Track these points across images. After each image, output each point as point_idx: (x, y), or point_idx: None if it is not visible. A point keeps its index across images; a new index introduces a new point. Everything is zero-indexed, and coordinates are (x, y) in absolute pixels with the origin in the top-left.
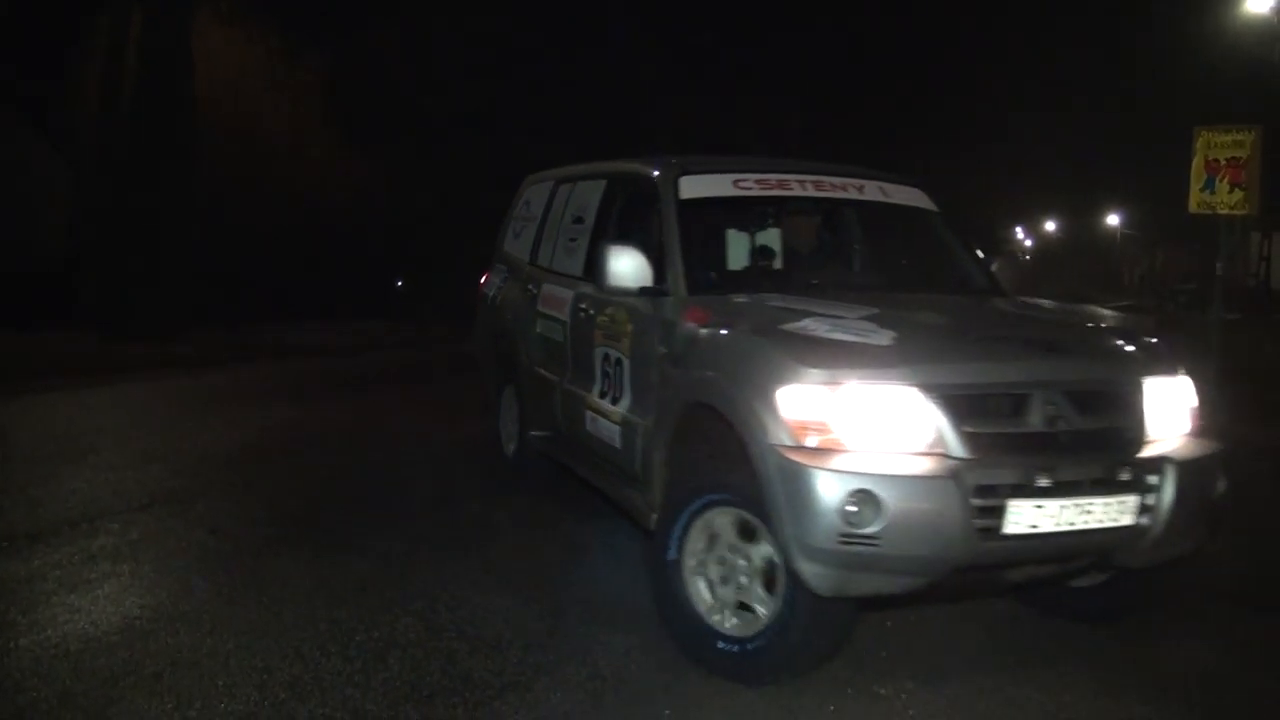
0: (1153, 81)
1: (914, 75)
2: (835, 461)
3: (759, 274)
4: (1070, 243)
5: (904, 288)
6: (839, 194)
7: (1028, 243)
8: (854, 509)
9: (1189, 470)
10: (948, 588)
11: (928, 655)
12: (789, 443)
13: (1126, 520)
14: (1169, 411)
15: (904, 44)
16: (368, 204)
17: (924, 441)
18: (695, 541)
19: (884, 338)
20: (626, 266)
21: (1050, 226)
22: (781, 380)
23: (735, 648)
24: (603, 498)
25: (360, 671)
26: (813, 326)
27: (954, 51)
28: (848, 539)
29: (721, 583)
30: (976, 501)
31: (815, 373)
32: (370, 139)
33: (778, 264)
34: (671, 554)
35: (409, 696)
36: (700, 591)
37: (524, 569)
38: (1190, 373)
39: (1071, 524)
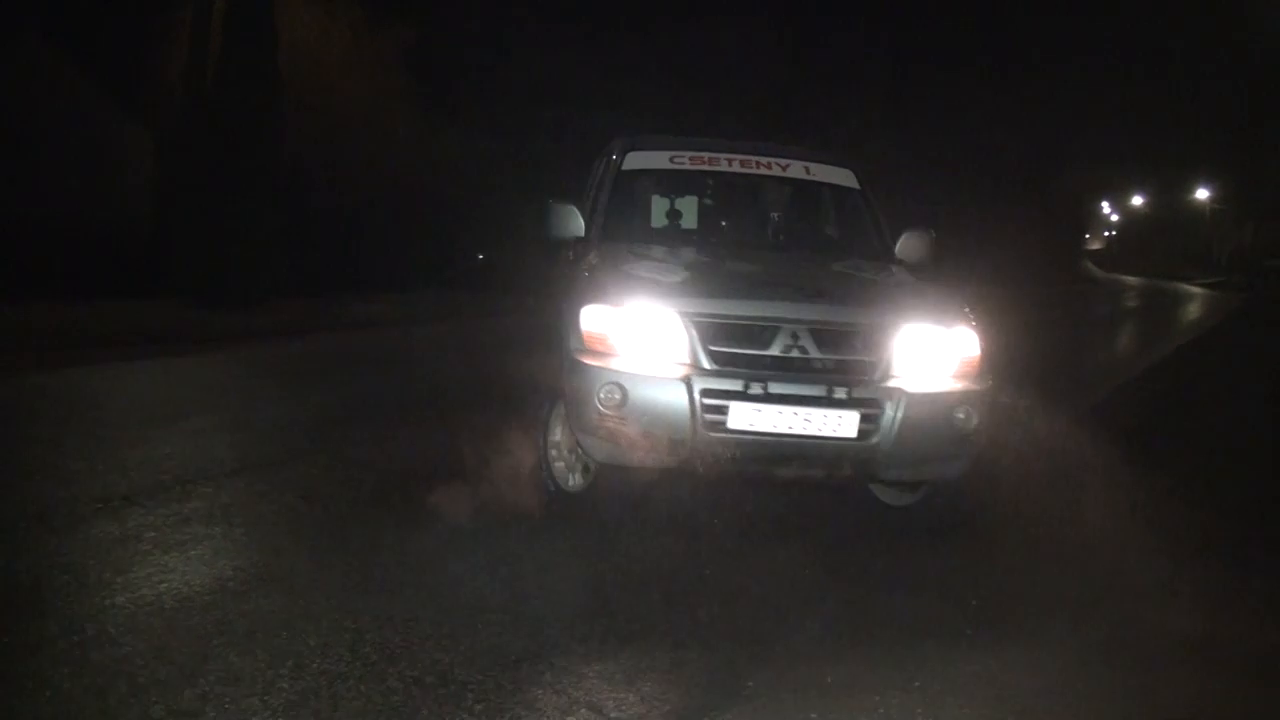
0: (1249, 53)
1: (1000, 42)
2: (601, 361)
3: (673, 232)
4: (1159, 218)
5: (782, 247)
6: (761, 171)
7: (1114, 217)
8: (605, 395)
9: (921, 401)
10: (709, 467)
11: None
12: (581, 349)
13: (848, 432)
14: (929, 353)
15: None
16: (449, 176)
17: (675, 354)
18: (554, 426)
19: (677, 277)
20: (562, 219)
21: (1137, 201)
22: (583, 302)
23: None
24: None
25: (448, 636)
26: (637, 268)
27: (1043, 18)
28: (603, 416)
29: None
30: (705, 400)
31: (605, 297)
32: (452, 111)
33: (691, 224)
34: (547, 435)
35: (496, 662)
36: (558, 460)
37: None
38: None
39: (790, 428)
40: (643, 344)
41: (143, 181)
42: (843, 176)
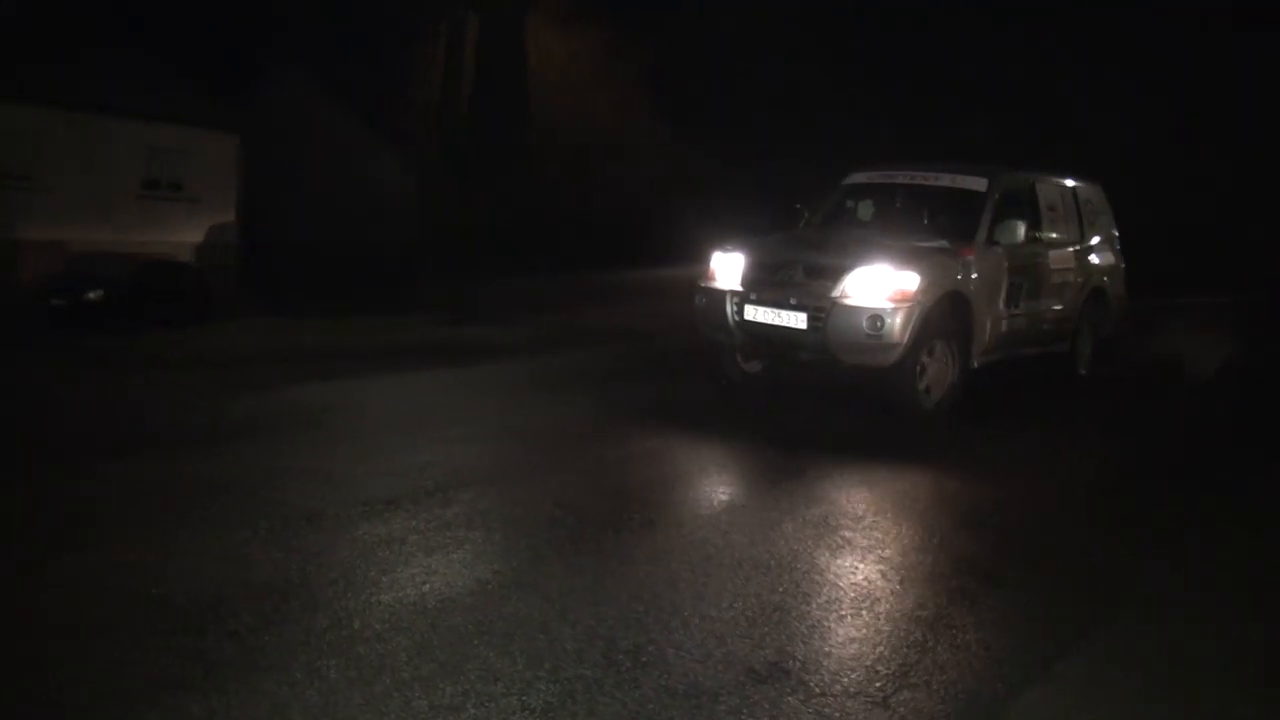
0: None
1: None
2: (703, 282)
3: (857, 223)
4: None
5: (906, 235)
6: (918, 181)
7: None
8: (697, 299)
9: (846, 310)
10: (742, 344)
11: None
12: (703, 276)
13: (800, 325)
14: (873, 284)
15: None
16: (691, 189)
17: (733, 278)
18: None
19: (776, 240)
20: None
21: None
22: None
23: None
24: None
25: (699, 646)
26: (779, 235)
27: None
28: (698, 310)
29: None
30: (734, 302)
31: (719, 248)
32: (693, 126)
33: (866, 217)
34: None
35: (747, 674)
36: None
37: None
38: None
39: (771, 320)
40: (720, 273)
41: (400, 205)
42: (975, 184)
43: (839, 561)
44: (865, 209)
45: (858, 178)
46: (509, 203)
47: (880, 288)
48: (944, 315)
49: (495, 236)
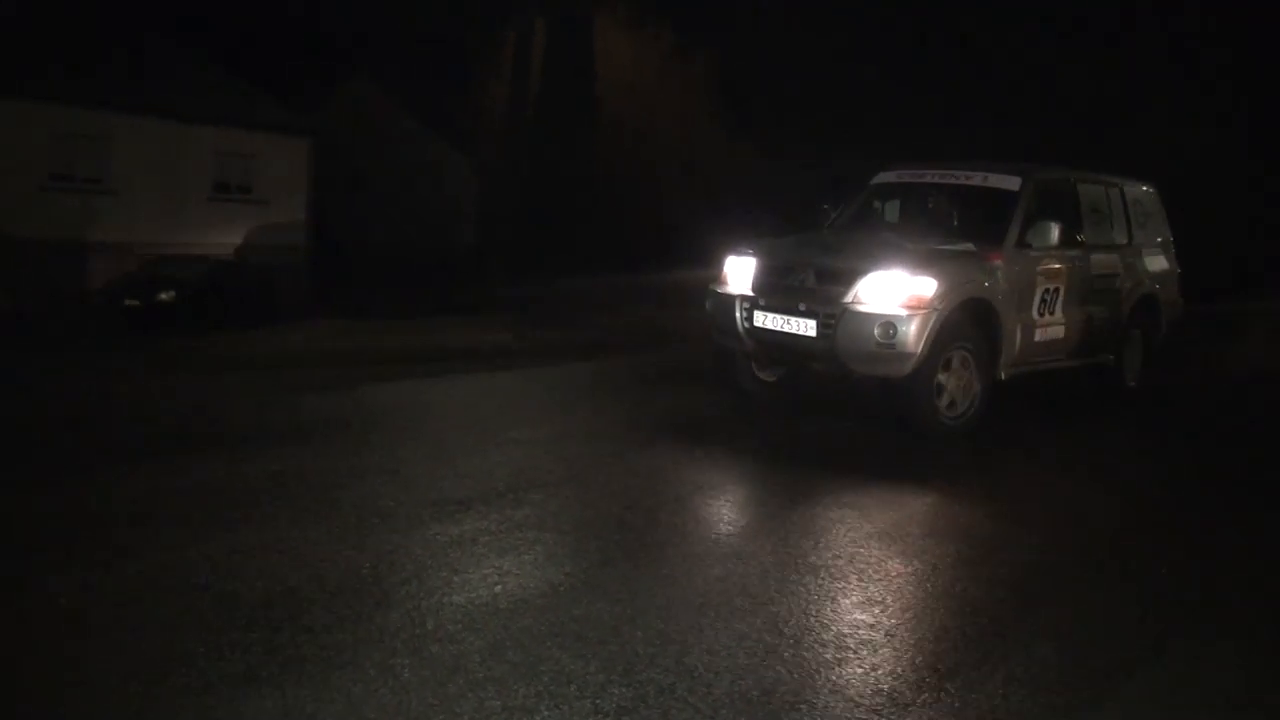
0: None
1: None
2: (716, 286)
3: (882, 224)
4: None
5: (933, 237)
6: (948, 180)
7: None
8: (708, 304)
9: (857, 317)
10: (754, 352)
11: None
12: (716, 280)
13: (809, 333)
14: (886, 289)
15: None
16: (754, 189)
17: (744, 282)
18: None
19: (789, 243)
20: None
21: None
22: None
23: None
24: None
25: (772, 652)
26: (793, 238)
27: None
28: (709, 316)
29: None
30: (744, 307)
31: (733, 251)
32: (757, 128)
33: (892, 218)
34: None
35: (822, 680)
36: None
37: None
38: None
39: (780, 327)
40: (732, 277)
41: (466, 207)
42: (1008, 183)
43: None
44: (892, 210)
45: (886, 177)
46: (574, 204)
47: (894, 293)
48: (966, 324)
49: (560, 237)
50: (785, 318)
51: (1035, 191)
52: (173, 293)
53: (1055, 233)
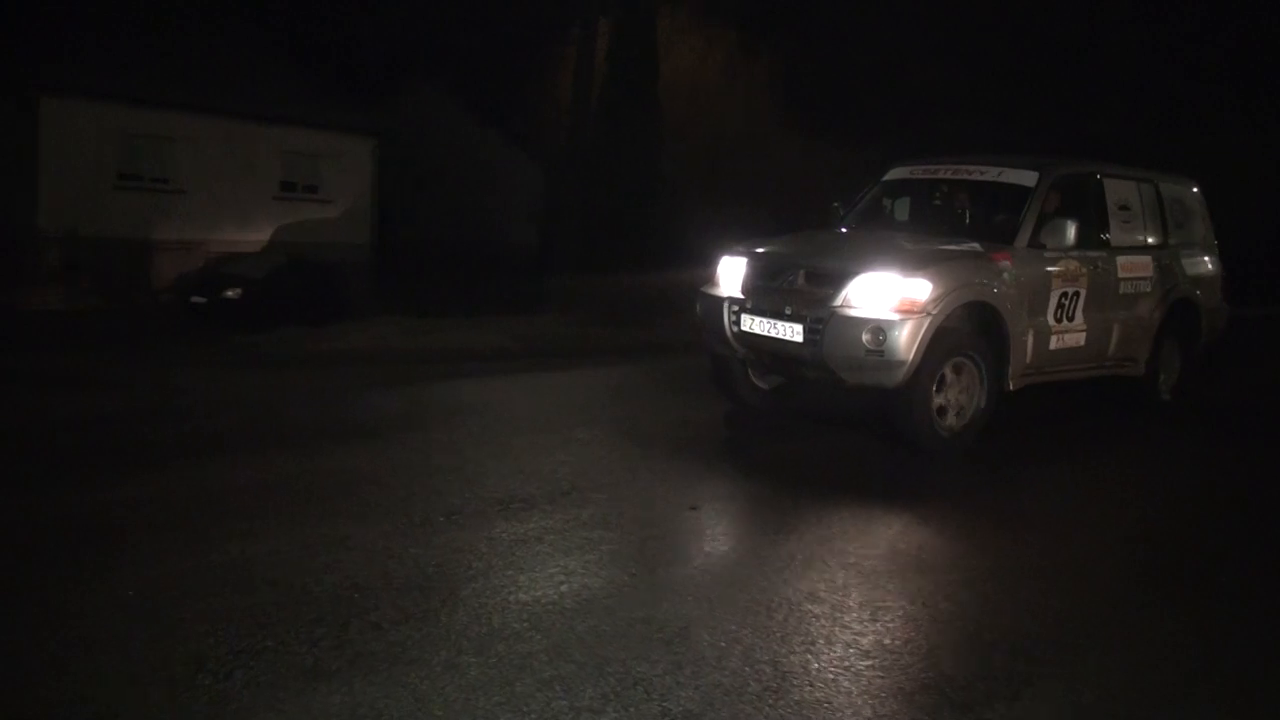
0: None
1: None
2: (704, 288)
3: (888, 222)
4: None
5: (941, 236)
6: (961, 176)
7: None
8: (697, 306)
9: (845, 321)
10: (745, 357)
11: None
12: (706, 282)
13: (797, 339)
14: (878, 292)
15: None
16: (818, 190)
17: (732, 283)
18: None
19: (782, 242)
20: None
21: None
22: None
23: None
24: None
25: (843, 661)
26: (788, 237)
27: None
28: (698, 319)
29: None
30: (732, 310)
31: (725, 251)
32: (822, 127)
33: (903, 217)
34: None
35: (899, 697)
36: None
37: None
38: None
39: (766, 331)
40: (723, 278)
41: (530, 205)
42: (1024, 178)
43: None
44: (902, 207)
45: (898, 173)
46: (638, 202)
47: (885, 297)
48: (967, 330)
49: (622, 236)
50: (772, 322)
51: (1054, 187)
52: (239, 290)
53: (1071, 232)
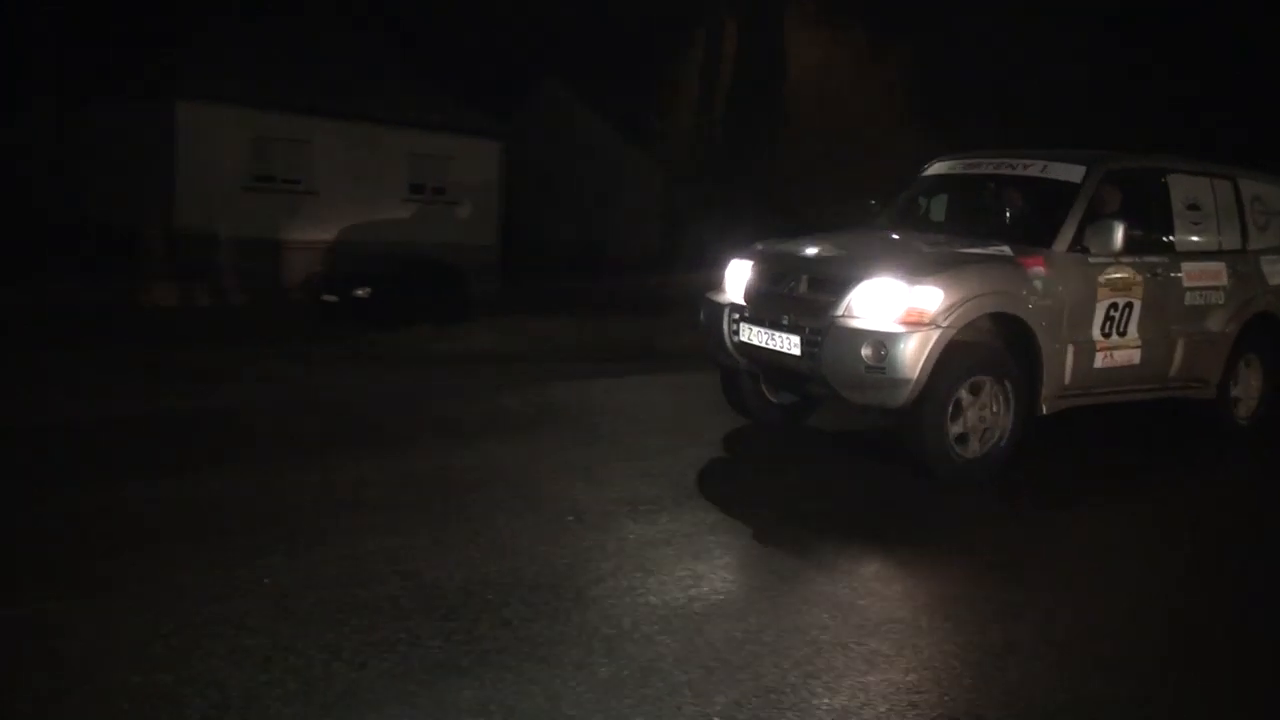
0: None
1: None
2: (710, 293)
3: (922, 221)
4: None
5: (967, 236)
6: (1003, 171)
7: None
8: (701, 313)
9: (843, 333)
10: (749, 367)
11: None
12: (713, 288)
13: (794, 351)
14: (882, 301)
15: None
16: None
17: (736, 289)
18: None
19: (792, 244)
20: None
21: None
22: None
23: None
24: None
25: (978, 673)
26: (802, 239)
27: None
28: (700, 327)
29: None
30: (732, 317)
31: (736, 254)
32: (952, 127)
33: (939, 217)
34: None
35: (1032, 710)
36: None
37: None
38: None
39: (764, 343)
40: (729, 283)
41: (654, 207)
42: (1070, 174)
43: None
44: (938, 206)
45: (937, 168)
46: (764, 203)
47: (889, 306)
48: (987, 344)
49: (748, 237)
50: (770, 332)
51: (1105, 183)
52: (368, 289)
53: (1119, 234)
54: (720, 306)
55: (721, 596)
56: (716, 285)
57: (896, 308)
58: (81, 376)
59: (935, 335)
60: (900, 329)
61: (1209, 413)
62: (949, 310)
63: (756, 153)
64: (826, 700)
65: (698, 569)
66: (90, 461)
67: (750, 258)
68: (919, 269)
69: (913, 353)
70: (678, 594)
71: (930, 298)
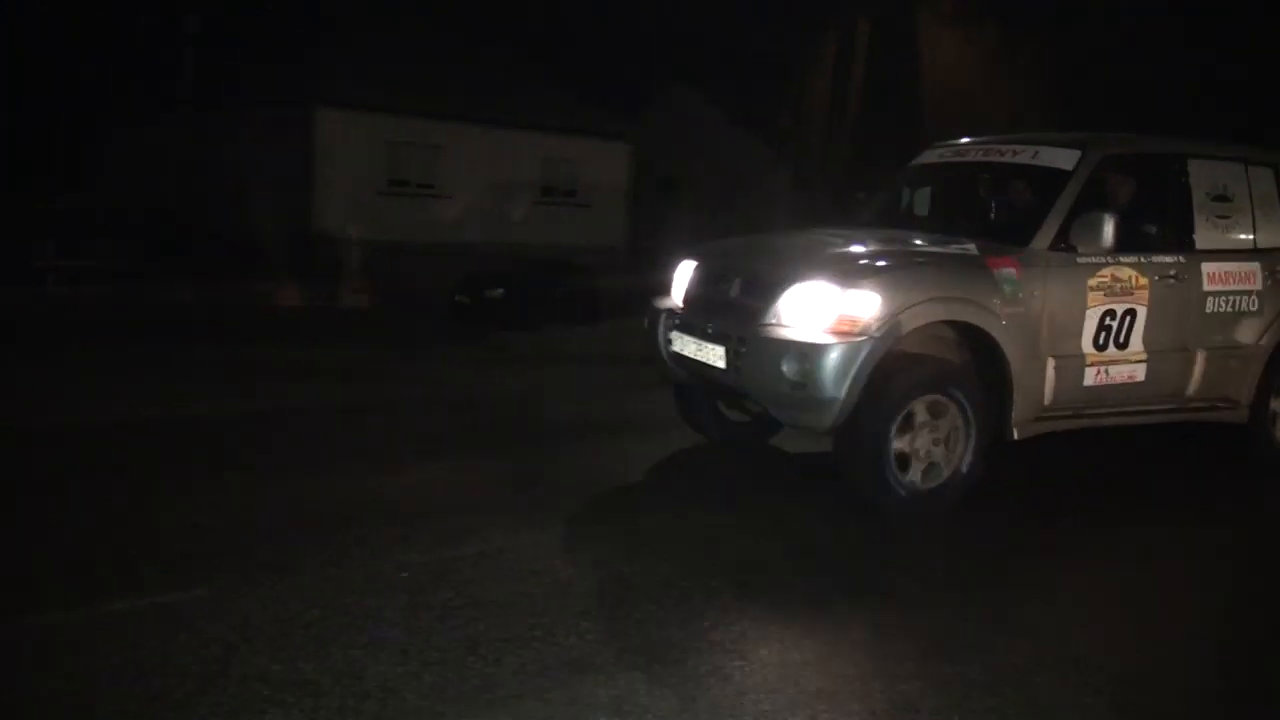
0: None
1: None
2: (654, 303)
3: (901, 216)
4: None
5: (940, 230)
6: (992, 159)
7: None
8: (646, 320)
9: (763, 343)
10: (685, 377)
11: None
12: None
13: (718, 362)
14: (810, 307)
15: None
16: None
17: (678, 296)
18: None
19: (734, 244)
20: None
21: None
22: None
23: None
24: None
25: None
26: (748, 237)
27: None
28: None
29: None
30: (667, 323)
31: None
32: (1088, 124)
33: (922, 211)
34: None
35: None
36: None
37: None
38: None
39: (693, 353)
40: (674, 286)
41: (784, 210)
42: (1061, 159)
43: None
44: (922, 199)
45: (927, 157)
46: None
47: (818, 313)
48: (939, 358)
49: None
50: (698, 342)
51: (1099, 170)
52: (501, 290)
53: (1108, 229)
54: (659, 312)
55: (859, 605)
56: (664, 289)
57: (826, 315)
58: (224, 375)
59: (867, 348)
60: (828, 339)
61: (1239, 436)
62: (886, 318)
63: (888, 152)
64: (960, 715)
65: (834, 578)
66: (248, 450)
67: (694, 257)
68: (855, 271)
69: (838, 368)
70: (818, 600)
71: (864, 303)
